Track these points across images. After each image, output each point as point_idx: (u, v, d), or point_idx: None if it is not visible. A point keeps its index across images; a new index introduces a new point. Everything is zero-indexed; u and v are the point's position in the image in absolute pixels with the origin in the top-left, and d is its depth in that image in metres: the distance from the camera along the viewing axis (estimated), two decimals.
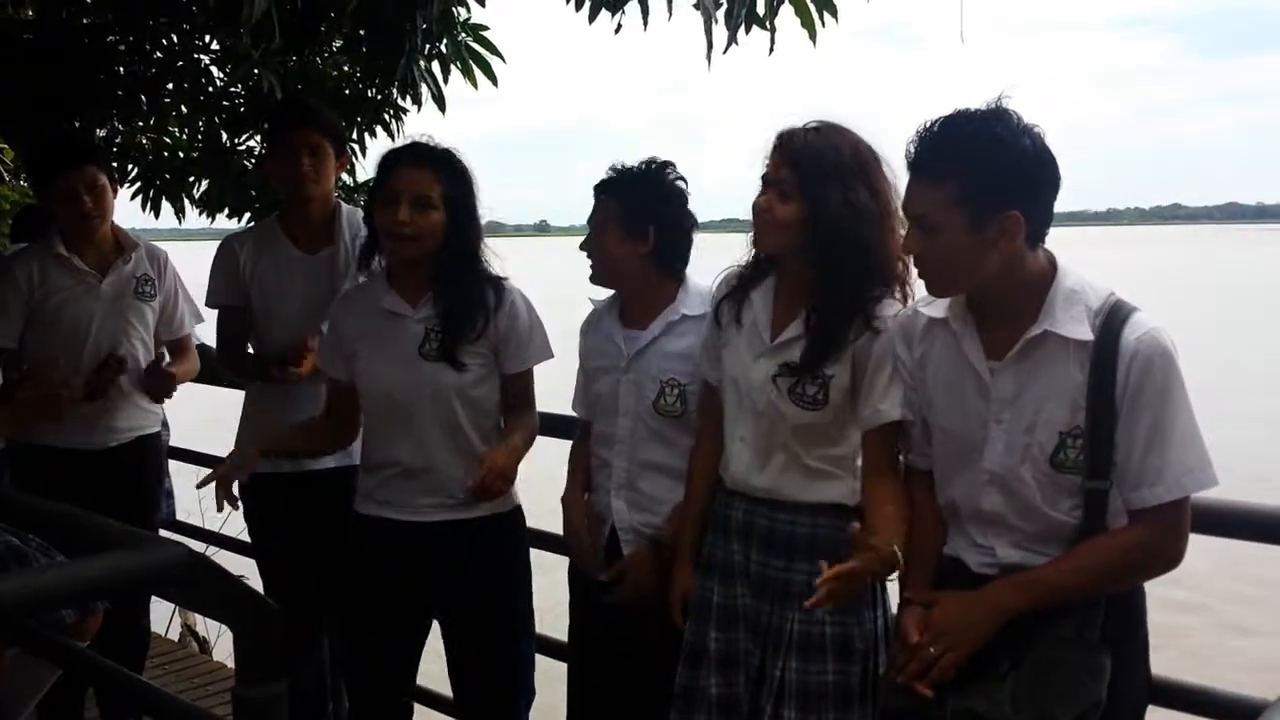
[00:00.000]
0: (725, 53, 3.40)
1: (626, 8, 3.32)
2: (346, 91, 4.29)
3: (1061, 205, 1.82)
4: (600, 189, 2.42)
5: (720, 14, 3.29)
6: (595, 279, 2.47)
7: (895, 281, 2.09)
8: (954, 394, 1.88)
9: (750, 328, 2.18)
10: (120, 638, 3.16)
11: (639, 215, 2.35)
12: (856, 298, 2.05)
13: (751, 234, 2.18)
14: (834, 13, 3.44)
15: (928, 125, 1.77)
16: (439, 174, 2.41)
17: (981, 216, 1.72)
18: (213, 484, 2.42)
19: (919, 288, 2.00)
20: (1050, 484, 1.77)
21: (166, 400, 3.27)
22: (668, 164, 2.41)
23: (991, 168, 1.71)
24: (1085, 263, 1.92)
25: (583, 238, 2.45)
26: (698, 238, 2.46)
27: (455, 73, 4.27)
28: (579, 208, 2.58)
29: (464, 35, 4.20)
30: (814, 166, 2.03)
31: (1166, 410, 1.70)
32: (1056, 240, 1.81)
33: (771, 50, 3.56)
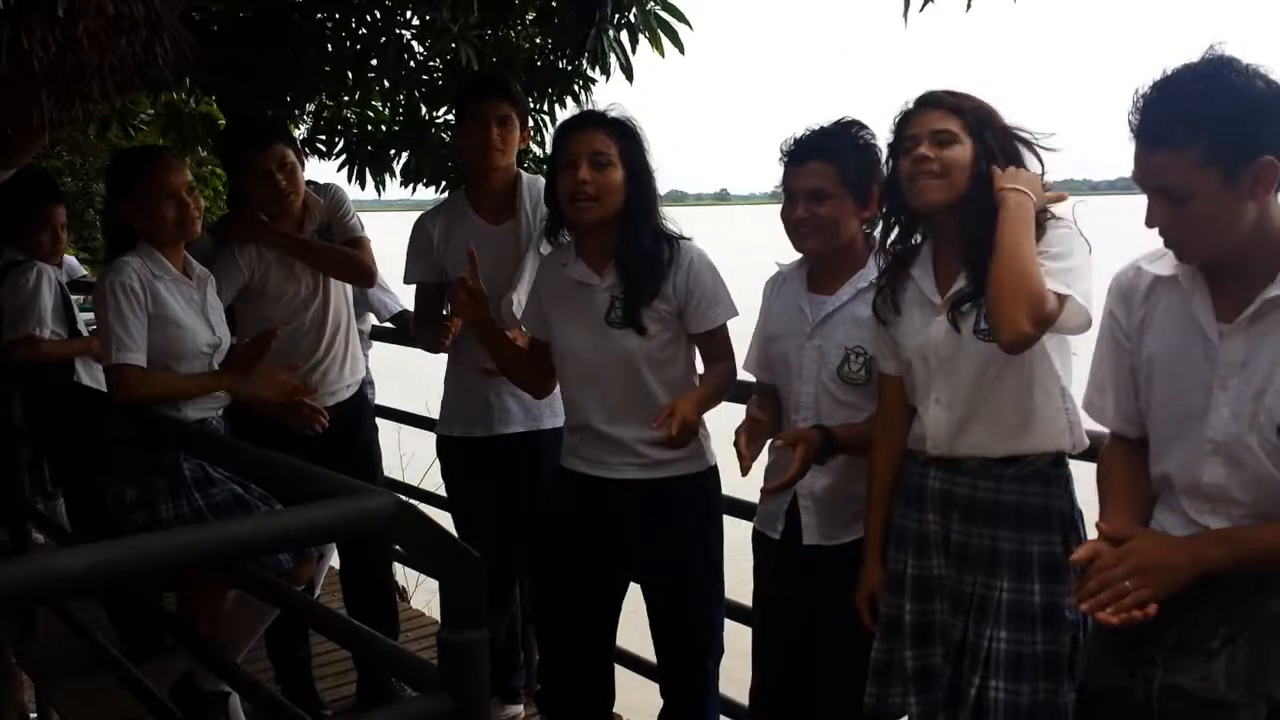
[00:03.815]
0: (921, 10, 3.33)
1: None
2: (538, 63, 4.37)
3: None
4: (808, 153, 2.29)
5: None
6: (812, 250, 2.35)
7: None
8: (1177, 357, 1.76)
9: (918, 300, 2.14)
10: (361, 588, 3.40)
11: (864, 179, 2.28)
12: None
13: (886, 209, 2.20)
14: None
15: (1147, 90, 1.64)
16: (613, 134, 2.47)
17: (1234, 171, 1.59)
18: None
19: None
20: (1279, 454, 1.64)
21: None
22: (860, 122, 2.32)
23: (1234, 115, 1.58)
24: None
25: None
26: None
27: (642, 41, 4.29)
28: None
29: (653, 4, 4.22)
30: (974, 110, 2.05)
31: None
32: None
33: (969, 7, 3.45)
